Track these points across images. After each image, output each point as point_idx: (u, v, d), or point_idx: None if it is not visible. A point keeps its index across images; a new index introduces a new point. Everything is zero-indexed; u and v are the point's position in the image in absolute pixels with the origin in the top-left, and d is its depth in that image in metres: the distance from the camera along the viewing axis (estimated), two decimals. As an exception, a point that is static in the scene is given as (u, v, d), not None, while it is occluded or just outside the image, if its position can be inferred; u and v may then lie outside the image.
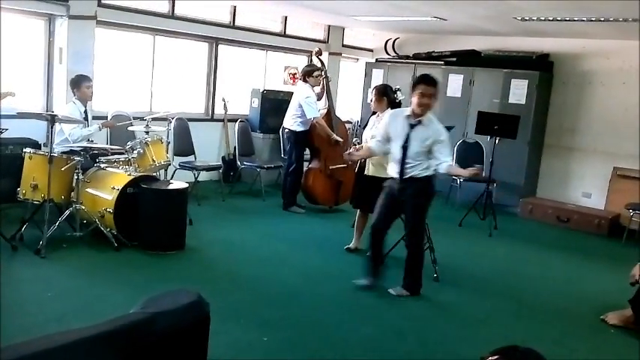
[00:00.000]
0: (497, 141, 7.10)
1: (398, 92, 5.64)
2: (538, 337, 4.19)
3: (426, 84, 4.52)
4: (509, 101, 8.32)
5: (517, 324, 4.48)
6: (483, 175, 7.80)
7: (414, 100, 4.52)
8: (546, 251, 6.66)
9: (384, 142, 4.75)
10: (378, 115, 5.51)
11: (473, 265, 5.83)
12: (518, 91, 8.30)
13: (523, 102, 8.21)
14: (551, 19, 6.57)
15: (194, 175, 7.16)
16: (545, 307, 4.84)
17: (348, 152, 4.93)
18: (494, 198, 7.55)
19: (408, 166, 4.57)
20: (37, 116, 5.44)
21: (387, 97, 5.46)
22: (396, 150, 4.64)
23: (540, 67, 8.32)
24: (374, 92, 5.52)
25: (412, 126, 4.56)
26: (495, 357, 1.87)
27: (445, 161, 4.56)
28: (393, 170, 4.69)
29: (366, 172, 5.44)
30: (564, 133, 8.49)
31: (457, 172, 4.87)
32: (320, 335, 3.96)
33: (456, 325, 4.32)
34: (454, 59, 9.06)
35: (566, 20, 6.55)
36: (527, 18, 6.68)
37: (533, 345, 1.88)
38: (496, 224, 7.17)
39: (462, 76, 8.82)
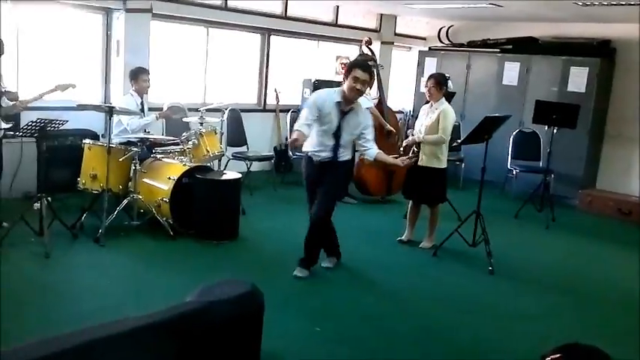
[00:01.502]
0: (555, 130, 6.88)
1: (448, 82, 5.52)
2: (599, 334, 4.03)
3: (362, 69, 4.36)
4: (568, 89, 8.05)
5: (576, 320, 4.34)
6: (540, 165, 7.60)
7: (348, 84, 4.35)
8: (606, 245, 6.43)
9: (311, 124, 4.44)
10: (431, 105, 5.40)
11: (529, 259, 5.68)
12: (578, 79, 8.03)
13: (583, 90, 7.93)
14: (614, 2, 6.30)
15: (246, 165, 7.23)
16: (604, 304, 4.68)
17: (291, 140, 4.48)
18: (551, 189, 7.35)
19: (339, 152, 4.51)
20: (95, 108, 5.58)
21: (445, 86, 5.34)
22: (326, 136, 4.47)
23: (601, 53, 8.01)
24: (431, 81, 5.34)
25: (344, 113, 4.43)
26: (557, 355, 1.81)
27: (372, 148, 4.53)
28: (319, 154, 4.53)
29: (419, 163, 5.35)
30: (627, 123, 8.14)
31: (387, 159, 4.65)
32: (371, 327, 3.94)
33: (512, 320, 4.22)
34: (510, 47, 8.82)
35: (630, 4, 6.27)
36: (588, 3, 6.43)
37: (592, 342, 1.81)
38: (554, 216, 6.96)
39: (519, 63, 8.60)
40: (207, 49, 7.84)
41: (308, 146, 4.55)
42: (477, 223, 5.29)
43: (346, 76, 4.37)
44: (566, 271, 5.40)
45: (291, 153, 7.68)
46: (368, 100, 6.94)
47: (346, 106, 4.41)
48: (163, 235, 5.28)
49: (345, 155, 4.57)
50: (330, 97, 4.42)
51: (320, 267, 4.81)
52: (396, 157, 5.81)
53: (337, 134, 4.44)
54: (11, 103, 5.14)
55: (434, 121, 5.29)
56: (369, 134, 4.54)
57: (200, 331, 2.75)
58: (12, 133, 5.11)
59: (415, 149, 5.40)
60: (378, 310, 4.20)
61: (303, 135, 4.31)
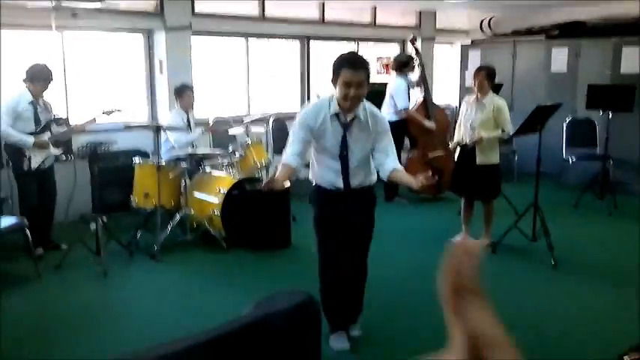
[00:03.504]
0: (610, 115, 6.60)
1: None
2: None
3: (352, 67, 3.16)
4: (622, 71, 7.72)
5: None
6: (600, 152, 7.32)
7: (338, 93, 3.22)
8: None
9: (303, 152, 3.38)
10: (477, 99, 5.22)
11: (593, 250, 5.45)
12: (631, 59, 7.69)
13: (637, 71, 7.59)
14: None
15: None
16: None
17: (265, 182, 3.29)
18: (611, 176, 7.06)
19: (353, 178, 3.41)
20: (143, 127, 5.65)
21: (494, 79, 5.18)
22: (330, 159, 3.40)
23: (654, 31, 7.67)
24: (482, 74, 5.12)
25: (346, 127, 3.31)
26: (638, 355, 1.69)
27: (386, 163, 3.38)
28: (328, 181, 3.46)
29: (478, 162, 5.19)
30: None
31: (401, 180, 3.45)
32: (432, 330, 3.83)
33: (579, 317, 4.04)
34: (557, 32, 8.55)
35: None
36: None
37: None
38: (616, 204, 6.68)
39: (567, 49, 8.32)
40: (248, 60, 7.88)
41: (315, 177, 3.56)
42: (536, 216, 5.11)
43: (334, 81, 3.23)
44: (634, 261, 5.14)
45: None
46: (404, 100, 6.87)
47: (347, 115, 3.30)
48: (217, 248, 5.30)
49: (364, 181, 3.46)
50: (323, 109, 3.31)
51: (372, 274, 4.60)
52: (444, 154, 5.69)
53: (344, 155, 3.34)
54: (62, 130, 5.27)
55: (489, 116, 5.12)
56: (384, 144, 3.39)
57: (258, 345, 2.72)
58: (65, 157, 5.23)
59: (466, 144, 5.25)
60: (438, 313, 4.07)
61: (289, 170, 3.31)
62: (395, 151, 3.48)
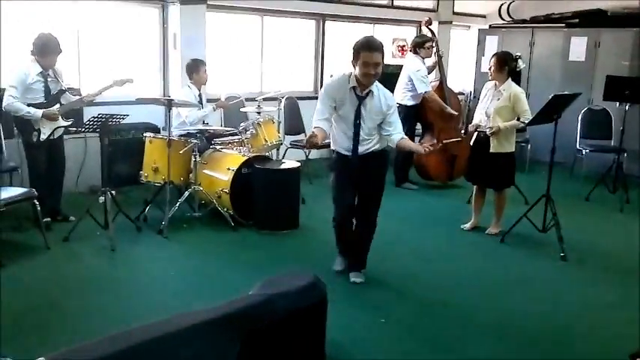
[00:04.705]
0: (627, 107, 6.50)
1: (519, 60, 5.28)
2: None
3: (370, 50, 3.83)
4: (641, 63, 7.61)
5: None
6: (612, 144, 7.25)
7: (359, 71, 3.87)
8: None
9: (329, 118, 4.03)
10: (495, 86, 5.16)
11: (603, 243, 5.39)
12: (652, 51, 7.58)
13: (657, 63, 7.48)
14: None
15: (305, 153, 7.16)
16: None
17: (308, 137, 3.92)
18: (625, 169, 6.96)
19: (363, 143, 4.05)
20: (154, 101, 5.63)
21: (507, 65, 5.08)
22: (345, 126, 4.04)
23: (677, 22, 7.53)
24: (493, 60, 5.11)
25: (361, 99, 3.95)
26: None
27: (395, 133, 4.03)
28: (342, 146, 4.12)
29: (491, 150, 5.13)
30: None
31: (409, 146, 4.20)
32: (438, 317, 3.81)
33: (587, 310, 3.99)
34: (576, 21, 8.41)
35: None
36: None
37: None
38: (628, 198, 6.60)
39: (586, 38, 8.21)
40: (263, 38, 7.81)
41: (334, 144, 4.20)
42: (547, 207, 5.06)
43: (355, 62, 3.90)
44: (645, 256, 5.10)
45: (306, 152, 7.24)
46: (425, 83, 6.77)
47: (362, 90, 3.96)
48: (225, 226, 5.29)
49: (373, 146, 4.08)
50: (344, 83, 3.99)
51: (379, 259, 4.65)
52: (460, 140, 5.61)
53: (357, 122, 3.99)
54: (74, 98, 5.25)
55: (505, 104, 5.05)
56: (392, 117, 4.03)
57: (264, 324, 2.71)
58: (75, 129, 5.21)
59: (480, 132, 5.18)
60: (444, 300, 4.06)
61: (322, 132, 3.90)
62: (401, 124, 4.12)
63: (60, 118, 5.09)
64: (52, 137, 5.07)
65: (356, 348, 3.35)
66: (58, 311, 3.67)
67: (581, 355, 3.40)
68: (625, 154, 7.04)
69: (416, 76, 6.78)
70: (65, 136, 5.36)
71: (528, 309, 3.96)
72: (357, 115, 3.97)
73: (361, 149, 4.05)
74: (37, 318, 3.55)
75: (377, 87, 3.99)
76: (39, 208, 4.63)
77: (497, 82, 5.13)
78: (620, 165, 6.81)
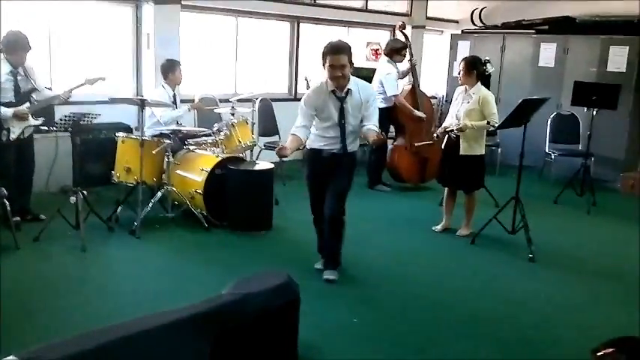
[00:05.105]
0: (595, 112, 6.66)
1: (487, 64, 5.37)
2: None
3: (335, 54, 3.99)
4: (608, 69, 7.80)
5: (620, 309, 4.15)
6: (578, 148, 7.40)
7: (328, 74, 4.05)
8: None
9: (309, 125, 4.22)
10: (466, 90, 5.25)
11: (570, 245, 5.52)
12: (618, 58, 7.77)
13: (623, 70, 7.67)
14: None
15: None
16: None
17: (278, 148, 4.21)
18: (592, 173, 7.12)
19: (348, 141, 4.19)
20: (127, 101, 5.59)
21: (476, 69, 5.19)
22: (330, 127, 4.17)
23: (643, 31, 7.72)
24: (462, 65, 5.22)
25: (342, 99, 4.11)
26: (610, 350, 1.71)
27: (367, 124, 4.15)
28: (326, 146, 4.23)
29: (461, 153, 5.21)
30: (670, 102, 7.85)
31: (365, 134, 4.20)
32: (409, 317, 3.87)
33: (555, 310, 4.08)
34: (546, 27, 8.58)
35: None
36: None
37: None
38: (595, 201, 6.76)
39: (555, 44, 8.39)
40: (237, 39, 7.81)
41: (312, 143, 4.31)
42: (516, 209, 5.16)
43: (323, 65, 4.06)
44: (610, 258, 5.23)
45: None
46: (393, 87, 6.84)
47: (341, 91, 4.10)
48: (198, 227, 5.28)
49: (353, 146, 4.27)
50: (321, 90, 4.15)
51: (351, 260, 4.71)
52: (431, 143, 5.69)
53: (342, 122, 4.13)
54: (50, 94, 5.18)
55: (474, 107, 5.14)
56: (369, 109, 4.16)
57: (236, 323, 2.72)
58: (46, 128, 5.15)
59: (452, 135, 5.26)
60: (416, 301, 4.11)
61: (295, 140, 4.13)
62: (377, 118, 4.24)
63: (30, 117, 5.02)
64: (21, 136, 5.00)
65: (328, 348, 3.38)
66: (27, 311, 3.63)
67: (549, 355, 3.48)
68: (592, 159, 7.21)
69: (386, 79, 6.88)
70: (36, 135, 5.30)
71: (498, 309, 4.04)
72: (342, 115, 4.13)
73: (349, 147, 4.21)
74: (7, 318, 3.50)
75: (356, 83, 4.16)
76: (9, 208, 4.57)
77: (467, 86, 5.22)
78: (587, 169, 6.96)
